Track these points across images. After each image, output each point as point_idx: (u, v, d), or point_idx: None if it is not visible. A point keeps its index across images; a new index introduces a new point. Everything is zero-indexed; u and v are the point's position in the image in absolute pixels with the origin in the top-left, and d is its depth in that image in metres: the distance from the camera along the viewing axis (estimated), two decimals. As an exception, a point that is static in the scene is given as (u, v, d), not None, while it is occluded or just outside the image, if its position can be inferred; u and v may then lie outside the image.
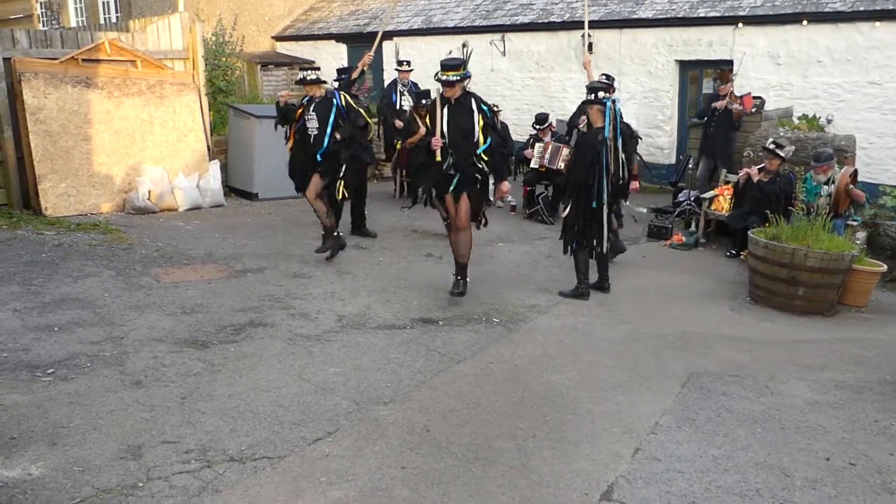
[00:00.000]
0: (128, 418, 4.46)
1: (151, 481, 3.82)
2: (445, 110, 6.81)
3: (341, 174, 8.12)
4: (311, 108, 8.00)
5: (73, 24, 20.37)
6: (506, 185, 6.93)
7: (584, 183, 7.13)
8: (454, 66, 6.69)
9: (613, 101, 7.08)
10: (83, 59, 9.80)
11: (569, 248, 7.47)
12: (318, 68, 8.49)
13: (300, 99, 8.21)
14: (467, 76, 6.81)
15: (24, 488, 3.69)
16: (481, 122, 6.76)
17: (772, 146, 9.24)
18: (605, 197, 7.10)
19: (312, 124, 7.98)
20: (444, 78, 6.66)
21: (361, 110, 8.25)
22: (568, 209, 7.39)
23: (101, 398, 4.69)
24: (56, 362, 5.18)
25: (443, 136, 6.77)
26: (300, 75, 8.19)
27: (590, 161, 7.08)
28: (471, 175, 6.85)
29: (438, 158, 6.78)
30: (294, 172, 8.33)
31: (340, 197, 8.24)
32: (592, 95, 7.13)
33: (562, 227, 7.58)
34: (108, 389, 4.82)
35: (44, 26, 19.18)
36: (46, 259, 7.56)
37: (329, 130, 7.93)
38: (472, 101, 6.79)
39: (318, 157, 7.96)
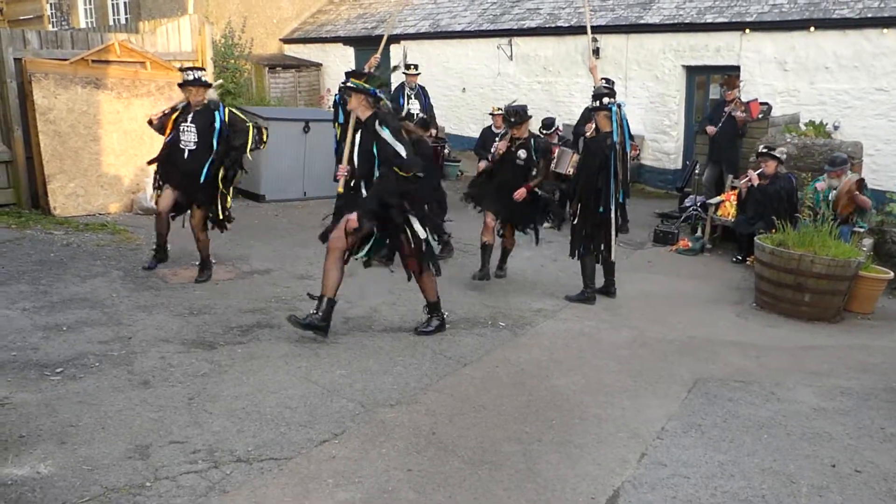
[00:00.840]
0: (136, 418, 4.48)
1: (159, 481, 3.84)
2: (358, 134, 5.92)
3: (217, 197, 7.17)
4: (190, 118, 6.94)
5: (83, 25, 20.45)
6: (352, 218, 5.70)
7: (593, 187, 7.15)
8: (356, 73, 5.99)
9: (619, 106, 7.11)
10: (93, 60, 9.83)
11: (576, 252, 7.49)
12: (203, 69, 7.27)
13: (176, 104, 7.12)
14: (370, 92, 5.80)
15: (32, 486, 3.71)
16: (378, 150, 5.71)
17: (764, 150, 9.35)
18: (612, 202, 7.11)
19: (189, 137, 6.92)
20: (344, 83, 5.95)
21: (244, 127, 7.07)
22: (577, 214, 7.41)
23: (109, 398, 4.71)
24: (64, 361, 5.20)
25: (350, 162, 5.97)
26: (198, 76, 7.02)
27: (598, 166, 7.10)
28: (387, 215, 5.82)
29: (340, 190, 6.04)
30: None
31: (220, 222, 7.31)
32: (598, 102, 7.15)
33: (570, 232, 7.61)
34: (116, 389, 4.84)
35: (53, 27, 19.25)
36: (55, 259, 7.60)
37: (214, 151, 6.95)
38: (377, 123, 5.74)
39: (201, 180, 6.97)
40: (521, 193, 7.56)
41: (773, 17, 12.25)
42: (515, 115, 7.70)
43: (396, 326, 6.43)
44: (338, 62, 18.76)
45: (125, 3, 19.88)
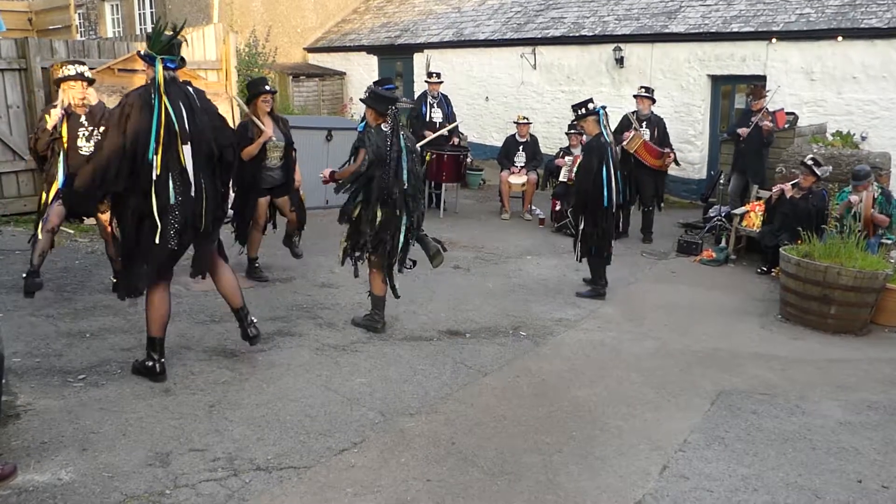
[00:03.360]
0: (156, 425, 4.50)
1: (178, 489, 3.85)
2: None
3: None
4: (87, 121, 6.46)
5: (110, 35, 20.73)
6: None
7: (594, 186, 7.45)
8: (149, 34, 5.06)
9: (604, 108, 7.59)
10: (119, 69, 9.94)
11: (583, 255, 7.83)
12: (83, 62, 6.51)
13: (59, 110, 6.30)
14: (143, 58, 5.13)
15: (53, 493, 3.73)
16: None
17: (810, 162, 9.13)
18: (614, 197, 7.49)
19: (92, 143, 6.45)
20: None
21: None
22: (583, 218, 7.66)
23: (130, 405, 4.74)
24: (87, 368, 5.24)
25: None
26: (80, 70, 6.36)
27: (596, 165, 7.44)
28: None
29: None
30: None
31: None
32: (583, 109, 7.55)
33: (577, 237, 7.82)
34: (138, 396, 4.86)
35: (81, 36, 19.51)
36: (79, 266, 7.67)
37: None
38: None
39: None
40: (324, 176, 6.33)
41: (800, 27, 12.12)
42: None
43: (417, 335, 6.41)
44: (361, 71, 18.85)
45: (152, 12, 20.12)
